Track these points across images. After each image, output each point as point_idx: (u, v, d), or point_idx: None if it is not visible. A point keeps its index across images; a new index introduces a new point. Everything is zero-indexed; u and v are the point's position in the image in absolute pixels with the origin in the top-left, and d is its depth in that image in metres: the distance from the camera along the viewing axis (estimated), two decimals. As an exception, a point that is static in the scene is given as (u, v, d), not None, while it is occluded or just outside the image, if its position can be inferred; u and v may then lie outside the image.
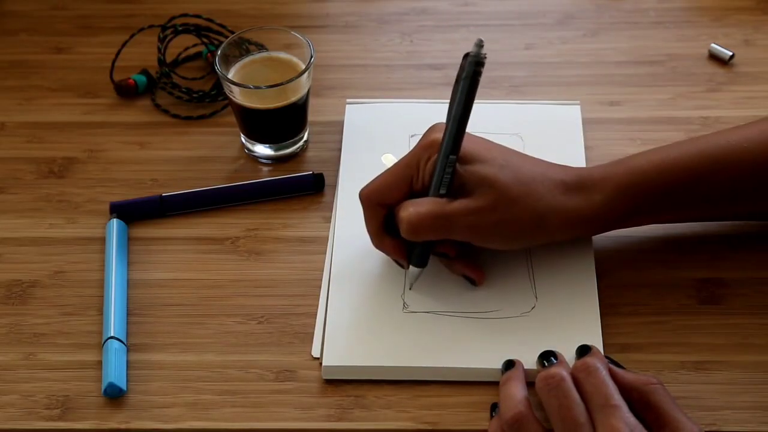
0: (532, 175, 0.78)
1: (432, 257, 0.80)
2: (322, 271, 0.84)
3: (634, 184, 0.78)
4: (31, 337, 0.81)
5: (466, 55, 0.76)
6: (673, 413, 0.70)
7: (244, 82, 0.90)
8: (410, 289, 0.82)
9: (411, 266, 0.80)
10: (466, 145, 0.77)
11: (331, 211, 0.88)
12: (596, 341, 0.78)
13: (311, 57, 0.89)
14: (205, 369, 0.79)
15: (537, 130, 0.92)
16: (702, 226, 0.86)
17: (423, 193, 0.78)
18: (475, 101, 0.96)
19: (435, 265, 0.83)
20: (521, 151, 0.89)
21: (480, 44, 0.75)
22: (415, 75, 1.00)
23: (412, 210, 0.76)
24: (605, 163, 0.80)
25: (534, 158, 0.80)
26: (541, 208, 0.77)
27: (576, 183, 0.78)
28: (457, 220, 0.76)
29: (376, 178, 0.80)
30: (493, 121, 0.92)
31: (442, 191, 0.77)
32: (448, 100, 0.96)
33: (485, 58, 0.75)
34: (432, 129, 0.79)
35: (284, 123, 0.91)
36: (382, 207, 0.79)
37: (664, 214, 0.81)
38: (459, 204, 0.76)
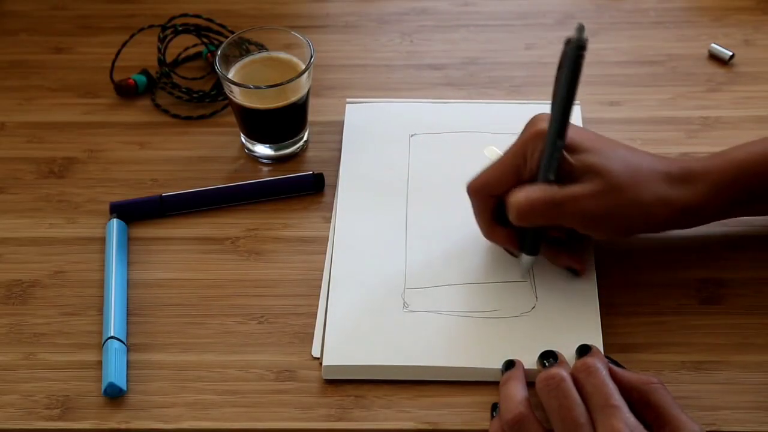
0: (638, 166, 0.79)
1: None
2: (322, 271, 0.84)
3: (736, 176, 0.79)
4: (31, 337, 0.81)
5: (568, 41, 0.76)
6: (673, 413, 0.70)
7: (244, 82, 0.90)
8: (524, 279, 0.82)
9: (523, 255, 0.81)
10: (574, 136, 0.78)
11: (331, 211, 0.89)
12: (596, 341, 0.78)
13: (311, 57, 0.89)
14: (205, 369, 0.79)
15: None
16: (702, 226, 0.86)
17: (531, 182, 0.79)
18: (475, 101, 0.97)
19: (436, 265, 0.83)
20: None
21: (581, 28, 0.75)
22: (415, 75, 1.00)
23: (522, 195, 0.77)
24: (705, 155, 0.82)
25: (639, 150, 0.81)
26: (647, 198, 0.78)
27: (680, 175, 0.79)
28: (566, 205, 0.77)
29: (484, 170, 0.81)
30: (493, 122, 0.92)
31: (551, 176, 0.77)
32: (448, 100, 0.96)
33: (587, 41, 0.75)
34: (536, 119, 0.80)
35: (284, 123, 0.91)
36: (491, 198, 0.81)
37: (765, 206, 0.82)
38: (569, 189, 0.77)
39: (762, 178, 0.79)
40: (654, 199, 0.78)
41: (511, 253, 0.83)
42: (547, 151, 0.77)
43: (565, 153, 0.78)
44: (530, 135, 0.79)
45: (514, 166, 0.79)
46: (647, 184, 0.78)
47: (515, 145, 0.80)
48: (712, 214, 0.81)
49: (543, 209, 0.77)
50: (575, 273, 0.82)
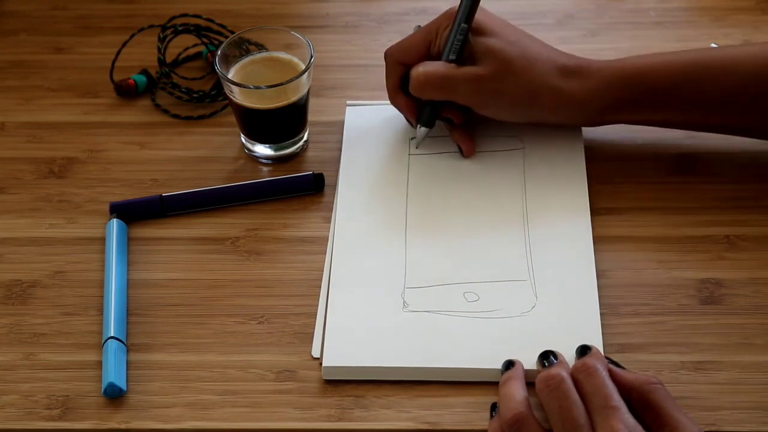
0: (536, 55, 0.85)
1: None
2: (322, 271, 0.84)
3: (628, 77, 0.85)
4: (31, 337, 0.81)
5: None
6: (673, 413, 0.70)
7: (244, 82, 0.90)
8: (417, 147, 0.91)
9: (419, 126, 0.89)
10: (483, 19, 0.86)
11: (331, 211, 0.89)
12: (596, 341, 0.78)
13: (311, 57, 0.89)
14: (205, 369, 0.79)
15: (537, 131, 0.92)
16: (702, 227, 0.86)
17: (438, 58, 0.87)
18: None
19: (436, 265, 0.83)
20: (521, 158, 0.89)
21: None
22: (415, 75, 1.00)
23: (421, 69, 0.86)
24: (610, 59, 0.87)
25: (543, 42, 0.88)
26: (537, 84, 0.85)
27: (574, 68, 0.85)
28: (460, 83, 0.85)
29: (402, 39, 0.89)
30: (493, 122, 0.92)
31: (452, 57, 0.86)
32: (448, 100, 0.96)
33: None
34: (459, 3, 0.87)
35: (284, 123, 0.91)
36: (401, 65, 0.89)
37: (653, 113, 0.86)
38: (464, 69, 0.85)
39: (651, 84, 0.84)
40: (543, 86, 0.85)
41: (410, 123, 0.91)
42: (453, 33, 0.86)
43: (470, 36, 0.85)
44: (443, 15, 0.87)
45: (425, 40, 0.88)
46: (540, 72, 0.84)
47: (431, 22, 0.88)
48: (598, 110, 0.86)
49: (438, 83, 0.86)
50: (462, 153, 0.90)
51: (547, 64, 0.85)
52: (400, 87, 0.89)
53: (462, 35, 0.85)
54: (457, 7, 0.86)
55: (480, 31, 0.86)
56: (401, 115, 0.94)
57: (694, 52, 0.86)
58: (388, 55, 0.89)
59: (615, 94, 0.85)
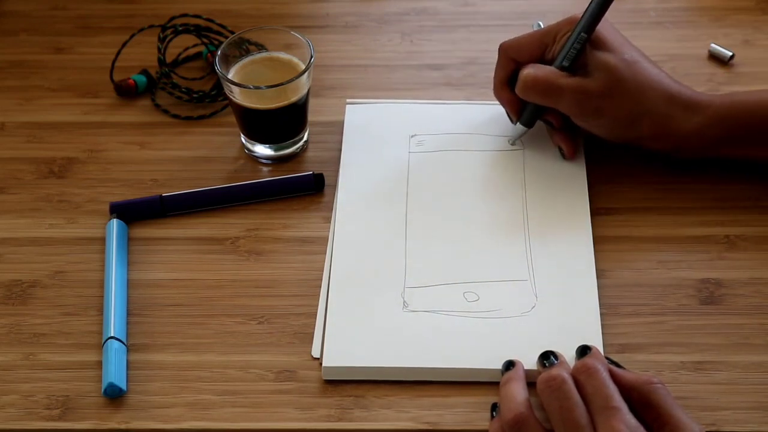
0: (649, 79, 0.84)
1: None
2: (322, 271, 0.84)
3: (732, 115, 0.83)
4: (31, 337, 0.81)
5: None
6: (673, 412, 0.70)
7: (244, 82, 0.90)
8: (512, 143, 0.90)
9: (519, 124, 0.89)
10: (605, 33, 0.85)
11: (331, 211, 0.88)
12: (596, 341, 0.78)
13: (311, 57, 0.89)
14: (205, 369, 0.79)
15: (536, 131, 0.92)
16: (702, 227, 0.86)
17: (551, 63, 0.86)
18: (475, 102, 0.97)
19: (436, 264, 0.83)
20: (522, 158, 0.90)
21: None
22: (415, 75, 1.00)
23: (531, 71, 0.85)
24: (717, 93, 0.86)
25: (658, 67, 0.86)
26: (642, 110, 0.84)
27: (684, 101, 0.84)
28: (565, 93, 0.84)
29: (520, 36, 0.88)
30: (493, 123, 0.92)
31: (565, 64, 0.85)
32: (448, 101, 0.96)
33: None
34: (584, 10, 0.86)
35: (284, 123, 0.91)
36: (513, 61, 0.88)
37: (755, 149, 0.85)
38: (573, 80, 0.84)
39: (758, 121, 0.83)
40: (647, 113, 0.84)
41: (510, 118, 0.90)
42: (570, 39, 0.84)
43: (588, 46, 0.84)
44: (565, 20, 0.86)
45: (542, 42, 0.87)
46: (649, 98, 0.83)
47: (551, 25, 0.87)
48: (700, 147, 0.85)
49: (544, 89, 0.85)
50: (563, 155, 0.89)
51: (659, 92, 0.84)
52: (507, 83, 0.89)
53: (580, 44, 0.84)
54: (580, 15, 0.85)
55: (598, 44, 0.84)
56: (402, 114, 0.94)
57: None
58: (502, 49, 0.88)
59: (718, 131, 0.84)
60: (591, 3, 0.84)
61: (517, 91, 0.87)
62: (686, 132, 0.84)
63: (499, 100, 0.90)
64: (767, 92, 0.85)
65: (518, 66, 0.87)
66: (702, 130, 0.84)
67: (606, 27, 0.85)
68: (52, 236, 0.88)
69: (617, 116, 0.84)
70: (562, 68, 0.85)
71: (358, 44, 1.03)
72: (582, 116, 0.85)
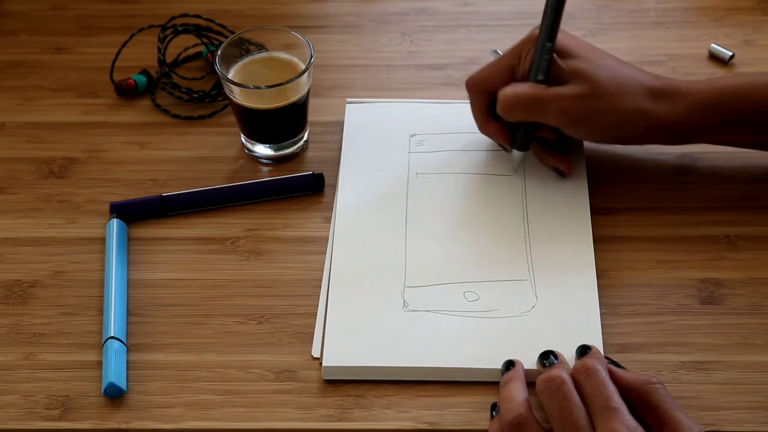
0: (624, 77, 0.84)
1: None
2: (322, 271, 0.84)
3: (718, 101, 0.83)
4: (31, 337, 0.81)
5: None
6: (673, 413, 0.70)
7: (244, 82, 0.90)
8: (514, 172, 0.89)
9: (514, 150, 0.87)
10: (568, 42, 0.84)
11: (331, 211, 0.89)
12: (596, 341, 0.78)
13: (311, 57, 0.89)
14: (205, 369, 0.79)
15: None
16: (702, 227, 0.86)
17: (524, 81, 0.85)
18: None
19: (436, 264, 0.83)
20: (522, 158, 0.89)
21: None
22: (415, 75, 1.00)
23: (510, 89, 0.84)
24: (697, 80, 0.85)
25: (628, 63, 0.86)
26: (627, 108, 0.83)
27: (663, 90, 0.84)
28: (549, 104, 0.83)
29: (482, 68, 0.87)
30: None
31: (540, 77, 0.83)
32: (448, 101, 0.96)
33: None
34: (536, 28, 0.85)
35: (284, 123, 0.91)
36: (486, 93, 0.87)
37: (741, 134, 0.85)
38: (554, 89, 0.83)
39: (743, 106, 0.83)
40: (633, 109, 0.83)
41: (504, 148, 0.89)
42: (537, 52, 0.83)
43: (556, 57, 0.83)
44: (525, 38, 0.85)
45: (509, 65, 0.86)
46: (629, 94, 0.83)
47: (512, 47, 0.86)
48: (689, 133, 0.84)
49: (528, 104, 0.83)
50: (561, 174, 0.88)
51: (636, 86, 0.83)
52: (489, 115, 0.87)
53: (548, 54, 0.83)
54: (537, 30, 0.84)
55: (565, 54, 0.84)
56: (402, 113, 0.94)
57: None
58: (471, 86, 0.87)
59: (706, 117, 0.83)
60: (545, 11, 0.83)
61: (499, 112, 0.85)
62: (672, 122, 0.83)
63: (488, 135, 0.89)
64: (747, 76, 0.86)
65: (492, 95, 0.86)
66: (685, 118, 0.83)
67: (567, 36, 0.85)
68: (52, 236, 0.88)
69: (605, 120, 0.83)
70: (538, 82, 0.83)
71: (358, 44, 1.03)
72: (571, 125, 0.84)
